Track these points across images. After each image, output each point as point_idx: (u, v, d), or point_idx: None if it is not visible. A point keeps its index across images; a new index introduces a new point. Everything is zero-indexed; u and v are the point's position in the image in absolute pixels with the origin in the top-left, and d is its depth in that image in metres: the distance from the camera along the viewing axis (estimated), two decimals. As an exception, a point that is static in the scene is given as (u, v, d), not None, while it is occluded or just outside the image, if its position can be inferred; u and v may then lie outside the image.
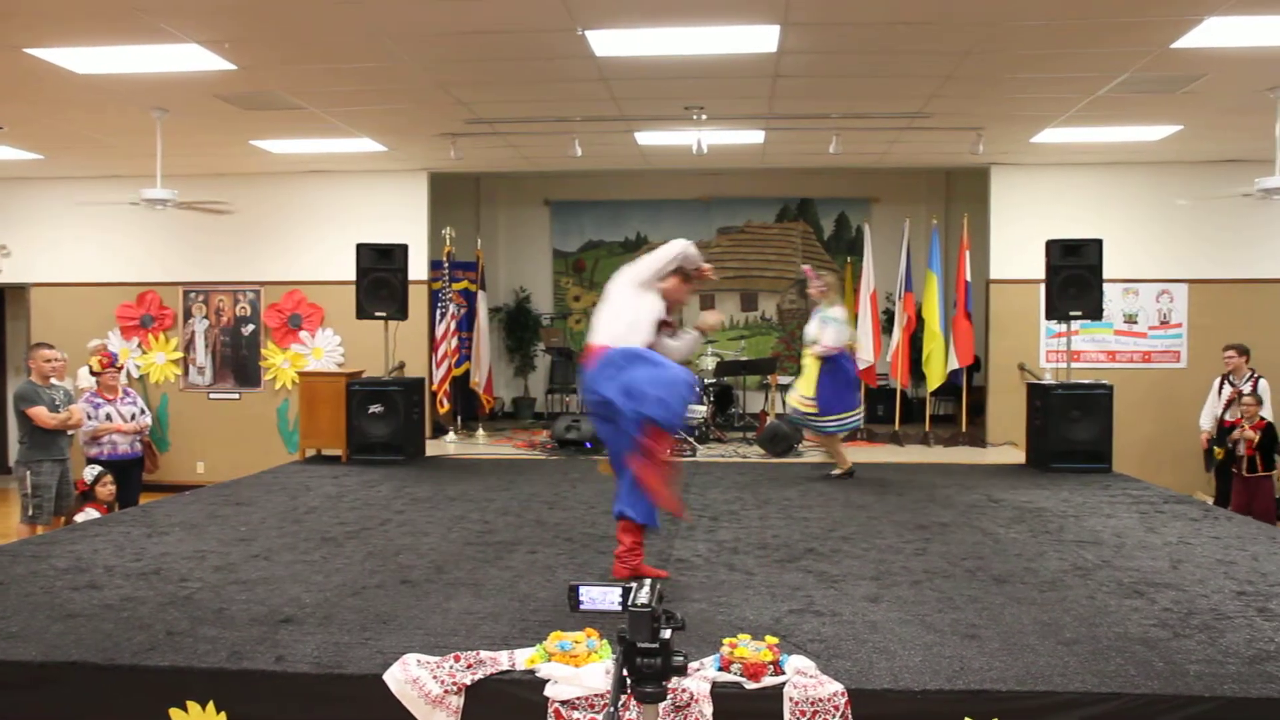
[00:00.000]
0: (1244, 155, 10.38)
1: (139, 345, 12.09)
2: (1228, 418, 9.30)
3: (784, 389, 13.11)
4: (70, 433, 8.14)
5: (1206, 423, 9.67)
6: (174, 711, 3.74)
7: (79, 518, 7.63)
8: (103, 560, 5.53)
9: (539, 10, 6.13)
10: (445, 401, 11.35)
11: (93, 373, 8.72)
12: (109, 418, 8.45)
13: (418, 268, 11.15)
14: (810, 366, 8.41)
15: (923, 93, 8.09)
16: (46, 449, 7.88)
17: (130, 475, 8.60)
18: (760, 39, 6.67)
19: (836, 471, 8.61)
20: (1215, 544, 6.02)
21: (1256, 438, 8.62)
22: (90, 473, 8.11)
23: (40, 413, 7.81)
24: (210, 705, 3.74)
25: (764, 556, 5.70)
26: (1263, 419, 8.69)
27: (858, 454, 10.44)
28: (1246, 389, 9.21)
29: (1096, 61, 7.18)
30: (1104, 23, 6.30)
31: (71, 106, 8.42)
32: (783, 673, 3.63)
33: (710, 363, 12.00)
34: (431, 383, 11.27)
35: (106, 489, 8.06)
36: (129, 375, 11.67)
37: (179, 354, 12.09)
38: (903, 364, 11.38)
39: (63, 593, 4.85)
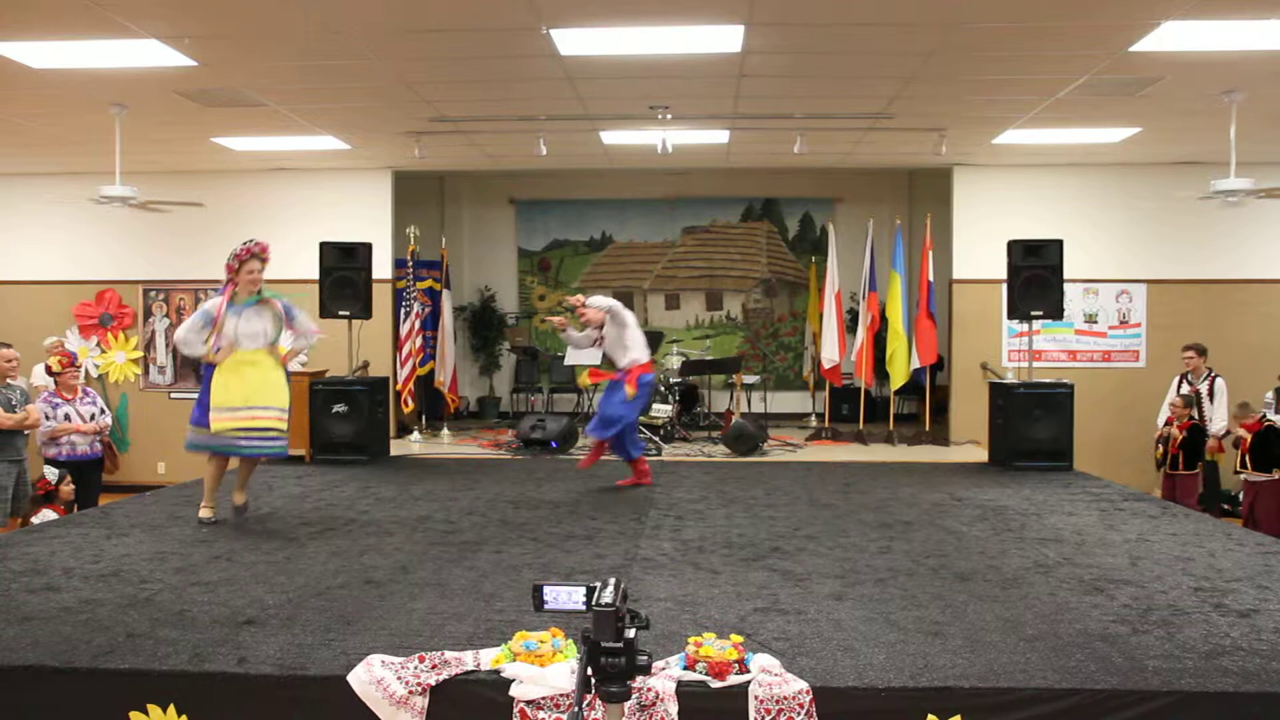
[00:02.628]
0: (1201, 157, 10.52)
1: (98, 344, 11.93)
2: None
3: (749, 388, 13.26)
4: (27, 433, 8.01)
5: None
6: (134, 714, 3.69)
7: (36, 519, 7.53)
8: (60, 562, 5.45)
9: (503, 9, 6.11)
10: (410, 401, 11.29)
11: (50, 372, 8.59)
12: (68, 418, 8.32)
13: (382, 266, 11.08)
14: (277, 374, 6.68)
15: (886, 93, 8.15)
16: (2, 449, 7.72)
17: (89, 476, 8.47)
18: (725, 39, 6.68)
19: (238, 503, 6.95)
20: (1173, 541, 6.11)
21: (1181, 437, 9.03)
22: (53, 474, 8.00)
23: (-5, 412, 7.69)
24: (171, 708, 3.70)
25: (729, 555, 5.72)
26: (1190, 419, 9.05)
27: (822, 453, 10.51)
28: (1204, 388, 9.37)
29: (1057, 64, 7.26)
30: (1063, 25, 6.37)
31: (27, 102, 8.28)
32: (748, 671, 3.64)
33: (676, 362, 12.01)
34: (396, 382, 11.20)
35: (67, 489, 7.96)
36: (87, 374, 11.51)
37: (139, 353, 11.94)
38: (867, 363, 11.43)
39: (18, 595, 4.78)
